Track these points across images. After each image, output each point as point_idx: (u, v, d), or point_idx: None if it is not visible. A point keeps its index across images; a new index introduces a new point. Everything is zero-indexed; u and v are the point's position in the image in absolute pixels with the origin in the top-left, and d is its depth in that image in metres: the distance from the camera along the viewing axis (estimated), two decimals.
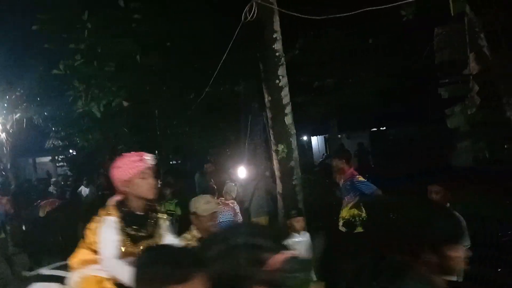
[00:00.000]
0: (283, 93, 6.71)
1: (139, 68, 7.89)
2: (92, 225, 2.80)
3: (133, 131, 10.87)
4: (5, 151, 14.66)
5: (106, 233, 2.68)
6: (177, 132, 11.22)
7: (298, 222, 4.78)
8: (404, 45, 8.60)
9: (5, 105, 12.99)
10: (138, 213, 2.80)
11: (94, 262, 2.72)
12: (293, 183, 6.90)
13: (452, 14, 7.02)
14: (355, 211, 6.24)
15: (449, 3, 6.90)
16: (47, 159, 20.44)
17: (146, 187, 2.75)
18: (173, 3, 7.06)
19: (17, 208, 8.30)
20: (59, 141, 15.93)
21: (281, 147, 6.87)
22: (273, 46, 6.54)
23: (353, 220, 6.20)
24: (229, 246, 1.41)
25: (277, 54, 6.56)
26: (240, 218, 7.02)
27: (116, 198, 2.83)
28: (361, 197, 6.20)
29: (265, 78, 6.85)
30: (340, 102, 10.28)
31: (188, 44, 7.80)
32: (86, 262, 2.71)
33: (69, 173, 17.64)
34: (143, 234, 2.79)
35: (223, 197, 6.73)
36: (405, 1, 6.14)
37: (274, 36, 6.51)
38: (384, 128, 19.90)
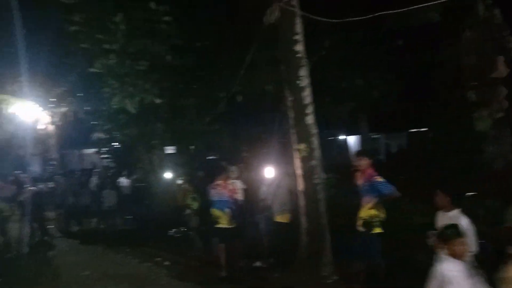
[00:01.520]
0: (304, 94, 6.79)
1: (169, 67, 8.22)
2: None
3: (167, 127, 11.29)
4: (52, 143, 15.62)
5: None
6: (209, 129, 11.53)
7: None
8: (429, 48, 8.42)
9: (53, 100, 13.86)
10: None
11: None
12: (314, 182, 6.96)
13: (481, 18, 6.91)
14: (373, 212, 6.24)
15: (478, 7, 6.80)
16: (92, 151, 21.45)
17: None
18: (201, 6, 7.33)
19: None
20: (102, 135, 16.77)
21: (302, 146, 6.98)
22: (294, 48, 6.63)
23: (370, 220, 6.21)
24: None
25: (298, 55, 6.65)
26: (240, 195, 7.57)
27: None
28: (379, 197, 6.18)
29: (287, 79, 6.98)
30: (369, 103, 10.21)
31: (216, 45, 8.05)
32: None
33: (111, 165, 18.45)
34: None
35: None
36: (431, 3, 6.09)
37: (295, 38, 6.60)
38: (426, 129, 19.38)
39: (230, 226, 7.33)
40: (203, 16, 7.60)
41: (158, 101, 8.18)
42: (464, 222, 4.50)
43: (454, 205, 4.67)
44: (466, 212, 4.65)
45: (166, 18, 7.29)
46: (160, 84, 8.30)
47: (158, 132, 11.28)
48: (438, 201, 4.74)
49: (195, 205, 9.16)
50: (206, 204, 8.59)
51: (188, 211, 9.39)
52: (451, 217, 4.64)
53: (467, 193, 6.90)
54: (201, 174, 10.85)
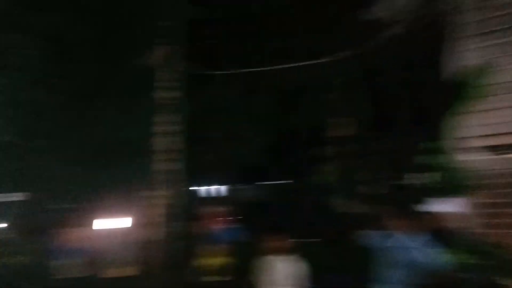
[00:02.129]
0: (173, 140, 6.93)
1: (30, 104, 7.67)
2: None
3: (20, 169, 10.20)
4: None
5: None
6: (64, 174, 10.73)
7: None
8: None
9: None
10: None
11: None
12: (170, 230, 6.96)
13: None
14: (221, 259, 6.43)
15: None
16: None
17: None
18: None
19: None
20: None
21: (161, 193, 6.96)
22: (171, 94, 6.81)
23: (216, 268, 6.38)
24: None
25: (174, 101, 6.82)
26: (90, 244, 7.18)
27: None
28: (228, 243, 6.43)
29: (156, 123, 6.98)
30: (225, 155, 10.65)
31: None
32: None
33: None
34: None
35: None
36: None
37: (173, 84, 6.80)
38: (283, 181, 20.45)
39: (80, 276, 6.87)
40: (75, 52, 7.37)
41: (15, 139, 7.47)
42: (283, 266, 4.61)
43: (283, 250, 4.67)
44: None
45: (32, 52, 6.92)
46: (19, 121, 7.63)
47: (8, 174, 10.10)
48: (268, 245, 4.73)
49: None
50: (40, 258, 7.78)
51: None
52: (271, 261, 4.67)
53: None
54: (38, 222, 9.92)
